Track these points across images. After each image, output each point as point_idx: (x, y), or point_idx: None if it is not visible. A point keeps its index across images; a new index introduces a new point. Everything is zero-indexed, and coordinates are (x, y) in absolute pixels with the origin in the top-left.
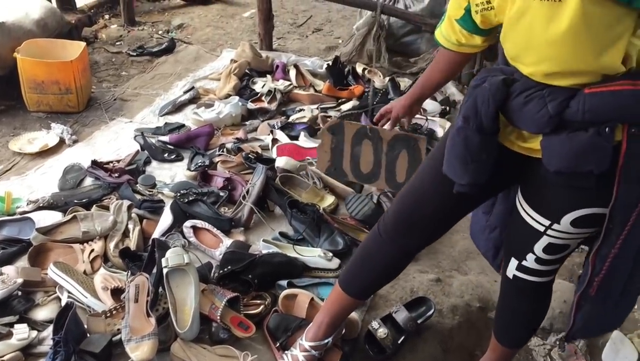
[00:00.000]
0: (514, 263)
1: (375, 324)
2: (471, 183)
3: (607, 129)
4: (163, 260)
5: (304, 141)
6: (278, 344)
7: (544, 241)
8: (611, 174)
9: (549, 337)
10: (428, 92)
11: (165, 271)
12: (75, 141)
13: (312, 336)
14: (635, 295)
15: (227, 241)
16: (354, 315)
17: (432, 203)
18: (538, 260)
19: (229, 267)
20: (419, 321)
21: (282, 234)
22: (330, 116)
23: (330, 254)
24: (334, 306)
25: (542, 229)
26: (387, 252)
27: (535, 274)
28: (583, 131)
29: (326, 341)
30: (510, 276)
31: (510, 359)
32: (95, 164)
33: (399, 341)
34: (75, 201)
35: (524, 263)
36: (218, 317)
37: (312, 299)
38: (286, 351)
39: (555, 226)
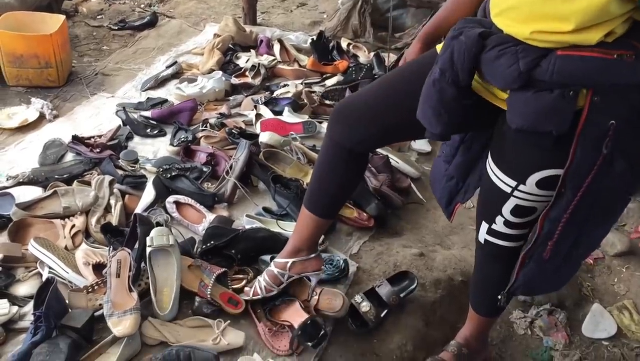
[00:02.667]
0: (484, 226)
1: (358, 298)
2: (442, 133)
3: (571, 92)
4: (147, 239)
5: (288, 116)
6: (264, 319)
7: (511, 203)
8: (570, 137)
9: (530, 310)
10: (444, 32)
11: (148, 250)
12: (55, 116)
13: (279, 256)
14: (578, 261)
15: (210, 217)
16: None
17: (384, 104)
18: (507, 223)
19: (212, 242)
20: (401, 295)
21: (265, 209)
22: (314, 92)
23: None
24: (301, 227)
25: (509, 190)
26: (333, 154)
27: (505, 239)
28: (548, 91)
29: (287, 260)
30: (482, 241)
31: (489, 328)
32: (76, 139)
33: (382, 315)
34: (56, 176)
35: (493, 226)
36: (208, 295)
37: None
38: None
39: (521, 187)
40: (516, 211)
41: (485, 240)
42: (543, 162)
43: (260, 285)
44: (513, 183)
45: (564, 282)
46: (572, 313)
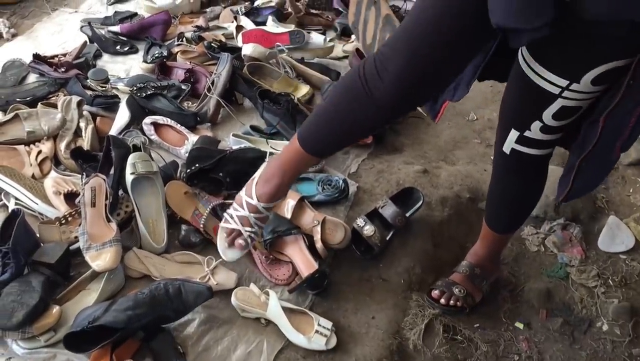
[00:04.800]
0: (514, 135)
1: (360, 221)
2: (547, 23)
3: None
4: (128, 166)
5: (272, 27)
6: (260, 247)
7: (556, 105)
8: None
9: (543, 225)
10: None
11: (131, 178)
12: (14, 35)
13: (267, 197)
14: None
15: (192, 138)
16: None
17: (450, 47)
18: (544, 128)
19: (197, 165)
20: (407, 215)
21: (253, 128)
22: (299, 0)
23: None
24: (291, 163)
25: (557, 91)
26: (374, 115)
27: (536, 146)
28: None
29: (281, 200)
30: (507, 151)
31: (504, 246)
32: (38, 58)
33: (387, 238)
34: (18, 99)
35: (526, 133)
36: (201, 225)
37: (301, 200)
38: (228, 211)
39: (573, 86)
40: (560, 113)
41: (512, 150)
42: (610, 54)
43: (254, 233)
44: (564, 83)
45: (605, 176)
46: (587, 227)
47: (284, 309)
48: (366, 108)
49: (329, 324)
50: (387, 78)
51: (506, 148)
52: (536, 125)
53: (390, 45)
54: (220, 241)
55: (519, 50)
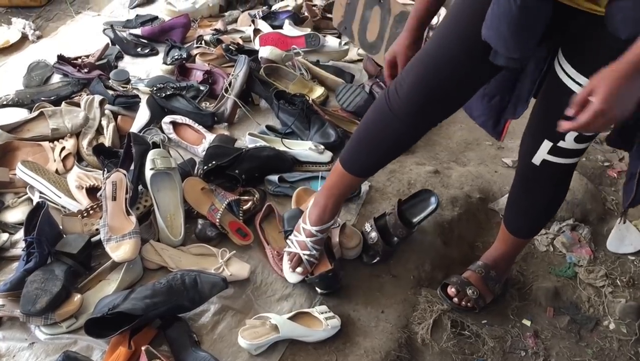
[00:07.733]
0: (546, 145)
1: (367, 227)
2: (526, 54)
3: None
4: (148, 161)
5: (289, 30)
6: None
7: None
8: None
9: (552, 226)
10: (426, 17)
11: (150, 173)
12: (39, 37)
13: (317, 219)
14: None
15: (210, 137)
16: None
17: (454, 67)
18: (579, 138)
19: (214, 162)
20: (419, 218)
21: (269, 127)
22: (315, 5)
23: (322, 147)
24: (337, 186)
25: None
26: (398, 129)
27: (569, 155)
28: None
29: (332, 222)
30: (538, 163)
31: (520, 250)
32: (62, 59)
33: (392, 245)
34: (43, 98)
35: (560, 144)
36: (217, 220)
37: None
38: (290, 237)
39: None
40: None
41: (543, 161)
42: None
43: (312, 257)
44: None
45: None
46: (596, 228)
47: (291, 320)
48: (389, 123)
49: (325, 307)
50: (402, 92)
51: (536, 160)
52: (571, 135)
53: (408, 66)
54: (285, 265)
55: (556, 56)
